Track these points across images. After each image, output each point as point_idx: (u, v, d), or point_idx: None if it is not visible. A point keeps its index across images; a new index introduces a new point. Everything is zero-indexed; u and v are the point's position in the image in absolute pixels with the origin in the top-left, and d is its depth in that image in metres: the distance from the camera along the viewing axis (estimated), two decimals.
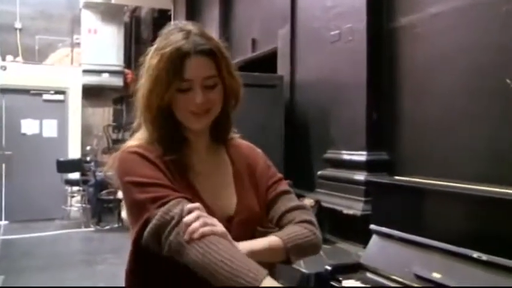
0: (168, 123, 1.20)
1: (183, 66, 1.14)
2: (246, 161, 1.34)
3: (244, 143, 1.39)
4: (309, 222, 1.27)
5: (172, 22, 1.31)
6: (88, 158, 8.90)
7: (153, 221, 1.06)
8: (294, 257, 1.18)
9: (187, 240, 1.01)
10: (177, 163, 1.19)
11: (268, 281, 0.96)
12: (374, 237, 2.22)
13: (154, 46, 1.20)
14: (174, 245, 1.04)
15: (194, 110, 1.17)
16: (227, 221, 1.19)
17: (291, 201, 1.32)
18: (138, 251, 1.15)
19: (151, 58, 1.18)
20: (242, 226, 1.20)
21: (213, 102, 1.19)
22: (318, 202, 2.87)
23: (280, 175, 1.38)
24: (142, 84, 1.20)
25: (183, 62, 1.14)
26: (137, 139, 1.23)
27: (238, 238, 1.11)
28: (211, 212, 1.15)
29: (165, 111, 1.19)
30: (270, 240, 1.16)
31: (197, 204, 1.07)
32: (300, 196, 3.12)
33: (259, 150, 1.41)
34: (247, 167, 1.33)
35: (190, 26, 1.20)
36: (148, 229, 1.07)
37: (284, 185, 1.36)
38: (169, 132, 1.20)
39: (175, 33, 1.18)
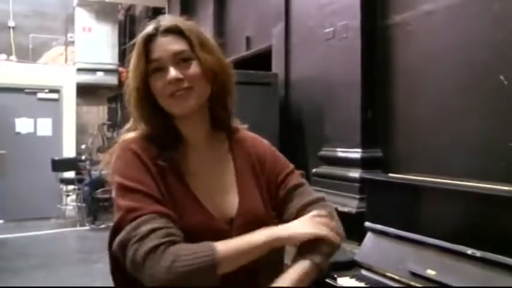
0: (157, 118, 1.15)
1: (150, 48, 1.12)
2: (250, 156, 1.28)
3: (249, 135, 1.33)
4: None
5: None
6: (83, 157, 8.87)
7: (121, 234, 1.03)
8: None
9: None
10: (173, 166, 1.14)
11: (220, 243, 1.00)
12: (369, 235, 2.22)
13: None
14: (129, 262, 1.00)
15: (173, 90, 1.11)
16: (228, 224, 1.15)
17: (305, 195, 1.25)
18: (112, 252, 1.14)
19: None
20: (244, 228, 1.12)
21: (192, 79, 1.12)
22: None
23: (291, 166, 1.31)
24: (128, 82, 1.18)
25: (149, 44, 1.13)
26: (134, 133, 1.18)
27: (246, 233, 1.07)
28: (210, 215, 1.13)
29: (151, 104, 1.14)
30: (304, 268, 1.08)
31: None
32: None
33: (265, 142, 1.35)
34: (252, 163, 1.27)
35: (164, 17, 1.20)
36: (116, 241, 1.04)
37: (295, 178, 1.28)
38: (160, 129, 1.15)
39: (148, 26, 1.17)
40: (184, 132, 1.19)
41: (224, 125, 1.26)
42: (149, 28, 1.15)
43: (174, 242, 1.00)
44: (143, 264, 0.97)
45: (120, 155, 1.12)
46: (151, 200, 1.05)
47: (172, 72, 1.10)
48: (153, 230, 1.00)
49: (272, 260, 1.14)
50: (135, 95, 1.14)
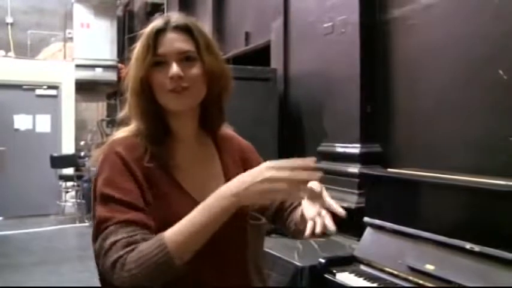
0: (150, 111, 1.16)
1: (157, 42, 1.14)
2: (235, 151, 1.32)
3: (231, 133, 1.37)
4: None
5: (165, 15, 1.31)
6: (82, 153, 8.86)
7: (96, 245, 1.07)
8: None
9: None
10: (161, 163, 1.15)
11: (168, 234, 0.99)
12: (368, 230, 2.22)
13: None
14: (103, 272, 1.04)
15: (172, 86, 1.12)
16: None
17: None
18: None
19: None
20: (232, 219, 1.12)
21: (192, 79, 1.14)
22: None
23: None
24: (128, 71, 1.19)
25: (157, 38, 1.14)
26: (125, 131, 1.20)
27: (229, 231, 1.08)
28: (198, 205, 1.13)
29: (148, 96, 1.15)
30: None
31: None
32: None
33: (245, 140, 1.40)
34: (237, 157, 1.31)
35: (174, 14, 1.21)
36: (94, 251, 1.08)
37: None
38: (152, 121, 1.17)
39: (157, 20, 1.19)
40: (175, 128, 1.21)
41: (214, 128, 1.29)
42: (159, 22, 1.17)
43: (133, 250, 1.00)
44: (112, 277, 1.00)
45: (105, 158, 1.14)
46: (124, 207, 1.06)
47: (174, 68, 1.11)
48: (113, 243, 1.01)
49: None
50: (136, 85, 1.15)
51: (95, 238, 1.09)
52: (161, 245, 0.98)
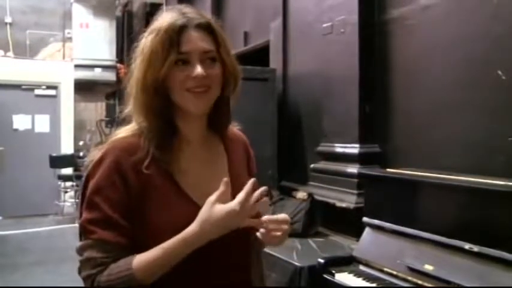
0: (163, 109, 1.11)
1: (180, 39, 1.09)
2: (241, 151, 1.30)
3: (239, 133, 1.34)
4: None
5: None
6: (81, 153, 8.85)
7: (78, 244, 1.11)
8: None
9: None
10: (163, 167, 1.11)
11: (137, 259, 1.04)
12: (367, 230, 2.22)
13: (150, 28, 1.15)
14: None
15: (193, 86, 1.09)
16: None
17: None
18: None
19: (146, 38, 1.13)
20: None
21: (213, 79, 1.12)
22: (310, 195, 2.86)
23: None
24: (137, 65, 1.13)
25: (180, 35, 1.09)
26: (127, 130, 1.16)
27: (233, 236, 1.07)
28: None
29: (161, 95, 1.10)
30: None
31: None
32: (292, 189, 3.12)
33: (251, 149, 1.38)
34: (243, 157, 1.29)
35: (185, 8, 1.16)
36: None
37: None
38: (162, 121, 1.12)
39: (170, 13, 1.14)
40: (183, 129, 1.17)
41: (223, 128, 1.25)
42: (178, 18, 1.11)
43: (103, 270, 1.05)
44: (85, 286, 1.08)
45: (101, 160, 1.10)
46: (105, 224, 1.06)
47: (199, 68, 1.09)
48: (88, 259, 1.07)
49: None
50: (152, 82, 1.09)
51: (80, 236, 1.12)
52: (129, 267, 1.03)
